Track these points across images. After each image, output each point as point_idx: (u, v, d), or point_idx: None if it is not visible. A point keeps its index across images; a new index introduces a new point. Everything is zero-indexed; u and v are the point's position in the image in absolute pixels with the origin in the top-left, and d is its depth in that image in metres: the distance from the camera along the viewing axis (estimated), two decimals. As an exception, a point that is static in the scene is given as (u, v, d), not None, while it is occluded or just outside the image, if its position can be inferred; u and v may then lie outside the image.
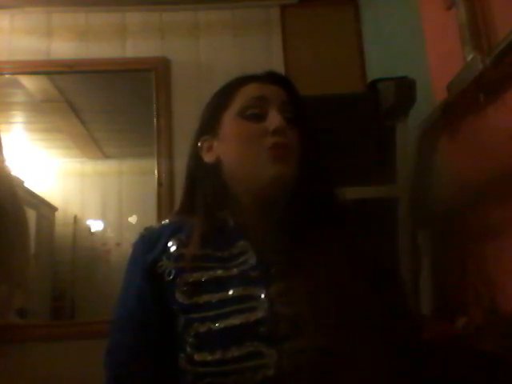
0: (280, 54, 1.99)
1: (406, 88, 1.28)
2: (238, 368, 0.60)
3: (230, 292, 0.65)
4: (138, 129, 2.44)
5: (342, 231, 0.72)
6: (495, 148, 1.01)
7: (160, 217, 1.80)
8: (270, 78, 0.77)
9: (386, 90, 1.30)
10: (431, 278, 1.32)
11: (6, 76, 2.05)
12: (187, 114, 1.88)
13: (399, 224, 1.28)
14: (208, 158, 0.75)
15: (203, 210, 0.72)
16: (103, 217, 2.83)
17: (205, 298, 0.65)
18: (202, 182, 0.75)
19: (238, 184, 0.72)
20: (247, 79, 0.76)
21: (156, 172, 1.88)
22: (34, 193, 2.60)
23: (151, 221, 1.81)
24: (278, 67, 1.91)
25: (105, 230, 2.83)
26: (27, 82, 2.22)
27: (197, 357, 0.62)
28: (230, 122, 0.73)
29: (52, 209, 2.76)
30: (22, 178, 2.41)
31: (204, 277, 0.67)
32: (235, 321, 0.62)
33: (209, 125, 0.77)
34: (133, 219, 2.73)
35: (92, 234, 2.80)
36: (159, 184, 1.86)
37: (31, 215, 2.36)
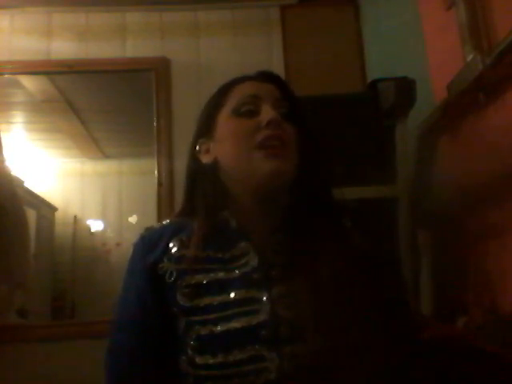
0: (280, 54, 1.99)
1: (405, 88, 1.28)
2: (239, 371, 0.60)
3: (232, 295, 0.64)
4: (138, 129, 2.44)
5: (344, 232, 0.72)
6: (495, 148, 1.01)
7: (160, 217, 1.80)
8: (263, 76, 0.77)
9: (385, 90, 1.30)
10: (431, 277, 1.32)
11: (6, 76, 2.05)
12: (187, 114, 1.88)
13: (399, 224, 1.28)
14: (206, 159, 0.75)
15: (204, 212, 0.72)
16: (103, 217, 2.83)
17: (206, 300, 0.65)
18: (201, 183, 0.75)
19: (236, 184, 0.72)
20: (240, 79, 0.77)
21: (156, 172, 1.88)
22: (34, 193, 2.60)
23: (151, 221, 1.82)
24: (278, 67, 1.91)
25: (105, 230, 2.83)
26: (27, 81, 2.22)
27: (198, 360, 0.62)
28: (224, 120, 0.73)
29: (52, 209, 2.76)
30: (21, 177, 2.41)
31: (205, 279, 0.66)
32: (237, 324, 0.62)
33: (205, 126, 0.77)
34: (133, 219, 2.73)
35: (92, 234, 2.81)
36: (159, 184, 1.86)
37: (31, 215, 2.36)
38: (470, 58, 1.03)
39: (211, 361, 0.61)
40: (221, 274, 0.67)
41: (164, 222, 0.77)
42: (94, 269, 2.67)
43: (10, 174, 1.57)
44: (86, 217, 2.83)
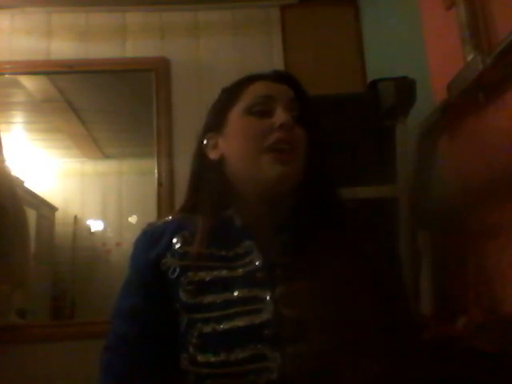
0: (280, 54, 1.99)
1: (406, 88, 1.28)
2: (241, 370, 0.59)
3: (235, 293, 0.64)
4: (138, 129, 2.44)
5: (347, 233, 0.71)
6: (495, 148, 1.01)
7: (160, 217, 1.80)
8: (278, 76, 0.76)
9: (385, 90, 1.30)
10: (431, 278, 1.32)
11: (6, 76, 2.05)
12: (187, 114, 1.88)
13: (399, 224, 1.28)
14: (213, 155, 0.74)
15: (208, 208, 0.71)
16: (103, 217, 2.83)
17: (209, 298, 0.65)
18: (206, 179, 0.74)
19: (242, 183, 0.71)
20: (254, 78, 0.76)
21: (156, 172, 1.87)
22: (34, 193, 2.60)
23: (151, 221, 1.81)
24: (278, 67, 1.91)
25: (105, 230, 2.83)
26: (27, 81, 2.22)
27: (200, 358, 0.61)
28: (235, 119, 0.73)
29: (52, 209, 2.76)
30: (22, 178, 2.41)
31: (209, 276, 0.66)
32: (240, 322, 0.62)
33: (215, 122, 0.76)
34: (133, 219, 2.73)
35: (92, 233, 2.81)
36: (159, 184, 1.86)
37: (31, 215, 2.36)
38: (470, 57, 1.03)
39: (213, 359, 0.60)
40: (224, 272, 0.66)
41: (167, 218, 0.77)
42: (94, 269, 2.67)
43: (10, 174, 1.57)
44: (86, 217, 2.83)
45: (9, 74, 2.03)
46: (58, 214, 2.79)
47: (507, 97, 0.94)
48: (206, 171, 0.75)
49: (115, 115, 2.60)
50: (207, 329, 0.62)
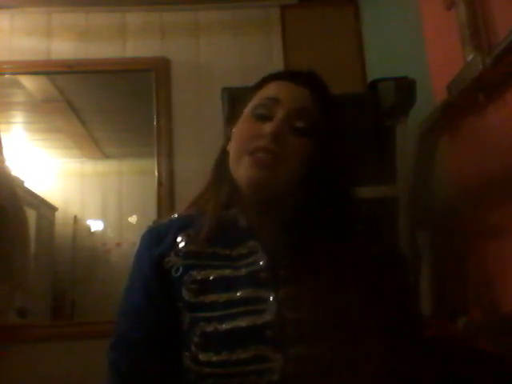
0: (280, 54, 1.99)
1: (406, 88, 1.28)
2: (242, 371, 0.59)
3: (238, 293, 0.64)
4: (138, 129, 2.44)
5: (352, 234, 0.70)
6: (495, 148, 1.01)
7: (160, 217, 1.80)
8: (297, 78, 0.74)
9: (385, 90, 1.30)
10: (431, 278, 1.32)
11: (6, 76, 2.05)
12: (187, 114, 1.89)
13: (399, 224, 1.28)
14: (229, 148, 0.74)
15: (213, 206, 0.71)
16: (103, 217, 2.84)
17: (212, 297, 0.64)
18: (218, 172, 0.75)
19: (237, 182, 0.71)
20: (274, 76, 0.75)
21: (156, 172, 1.87)
22: (34, 193, 2.60)
23: (151, 221, 1.81)
24: (278, 67, 1.90)
25: (105, 230, 2.83)
26: (27, 82, 2.22)
27: (202, 357, 0.61)
28: (243, 117, 0.73)
29: (52, 209, 2.77)
30: (22, 177, 2.41)
31: (212, 275, 0.66)
32: (242, 322, 0.61)
33: (235, 116, 0.76)
34: (133, 219, 2.73)
35: (92, 233, 2.81)
36: (159, 184, 1.86)
37: (31, 215, 2.36)
38: (470, 58, 1.03)
39: (214, 358, 0.60)
40: (227, 272, 0.66)
41: (172, 217, 0.76)
42: (94, 269, 2.68)
43: (10, 174, 1.57)
44: (85, 217, 2.83)
45: (9, 73, 2.03)
46: (58, 214, 2.79)
47: (507, 97, 0.94)
48: (220, 164, 0.75)
49: (115, 115, 2.60)
50: (209, 328, 0.62)
